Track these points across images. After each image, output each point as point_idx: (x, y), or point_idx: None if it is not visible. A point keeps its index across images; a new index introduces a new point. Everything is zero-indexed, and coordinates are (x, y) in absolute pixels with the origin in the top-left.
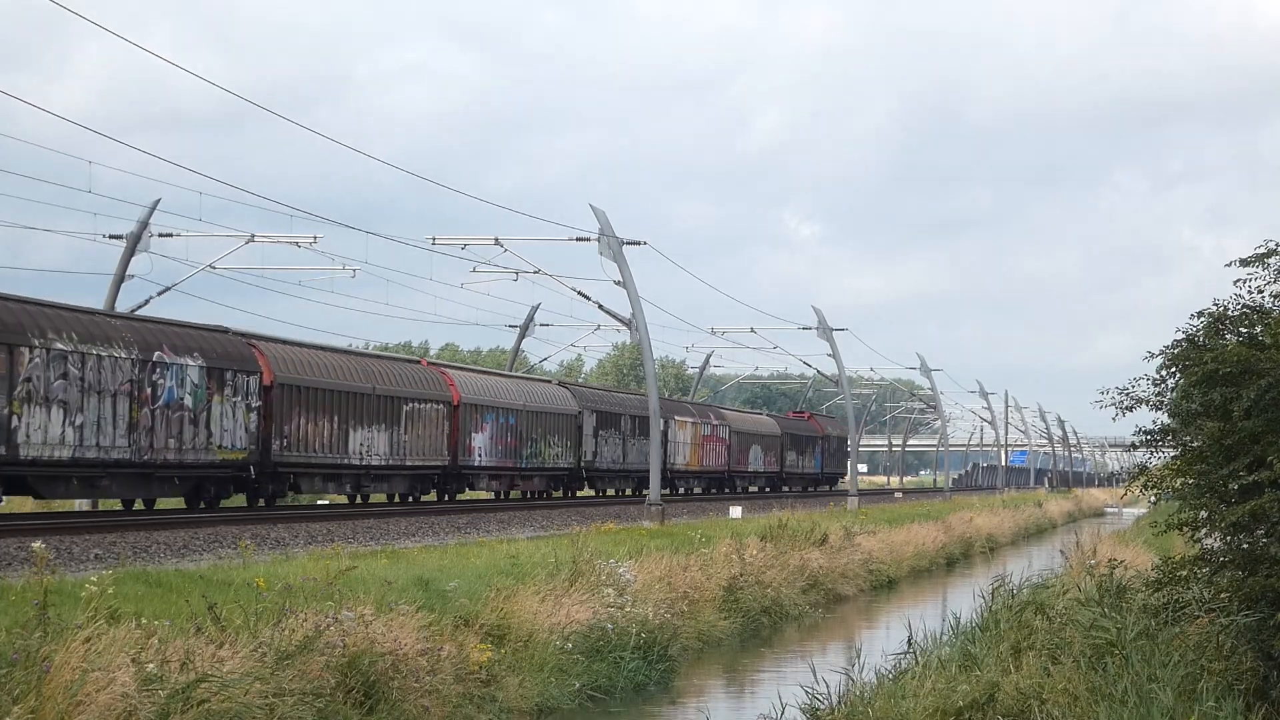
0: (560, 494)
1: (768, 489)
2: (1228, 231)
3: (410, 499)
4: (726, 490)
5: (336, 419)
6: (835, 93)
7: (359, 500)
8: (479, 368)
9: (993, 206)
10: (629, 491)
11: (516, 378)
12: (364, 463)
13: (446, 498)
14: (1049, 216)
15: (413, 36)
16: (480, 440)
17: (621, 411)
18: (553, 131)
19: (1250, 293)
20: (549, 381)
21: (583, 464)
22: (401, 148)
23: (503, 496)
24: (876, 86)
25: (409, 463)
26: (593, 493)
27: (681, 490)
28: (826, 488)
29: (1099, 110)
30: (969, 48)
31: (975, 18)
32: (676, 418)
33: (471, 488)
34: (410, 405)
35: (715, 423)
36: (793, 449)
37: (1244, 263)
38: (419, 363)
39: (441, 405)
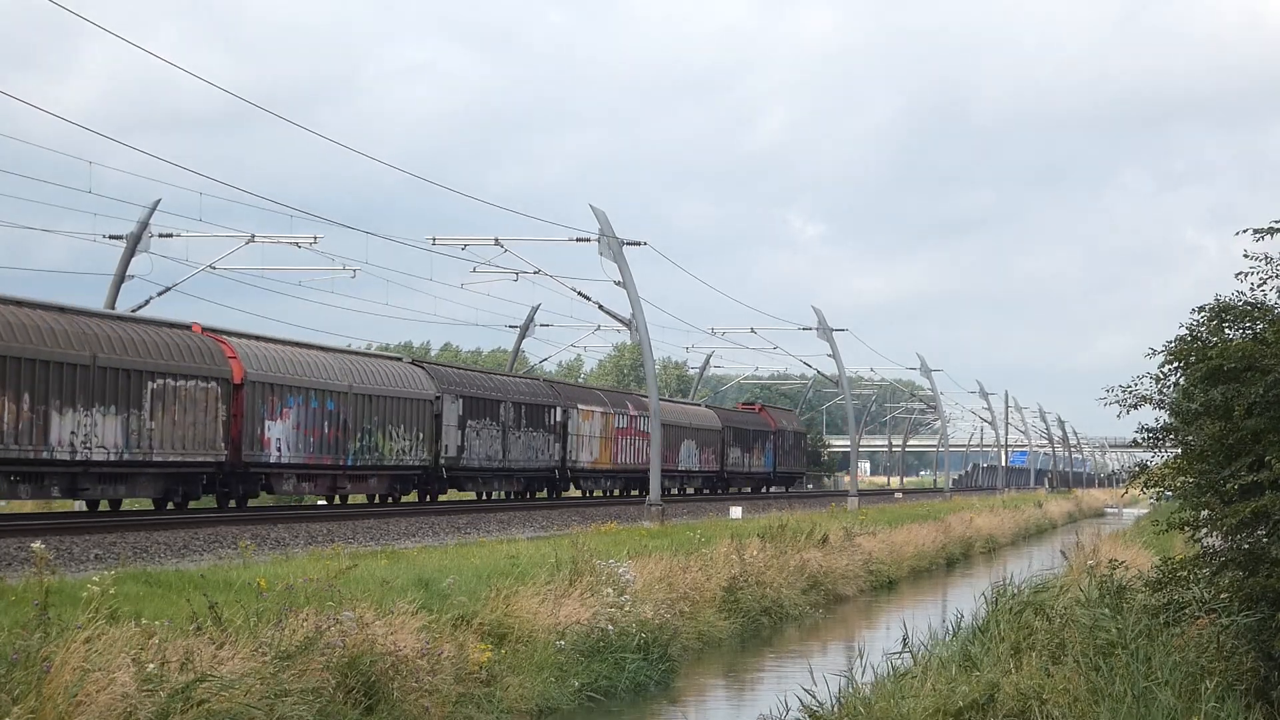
0: (424, 499)
1: (705, 490)
2: (1231, 231)
3: (171, 505)
4: (645, 491)
5: (29, 398)
6: (838, 92)
7: (84, 506)
8: (289, 340)
9: (995, 206)
10: (514, 494)
11: (344, 352)
12: (80, 457)
13: (232, 503)
14: (1051, 217)
15: (417, 36)
16: (280, 430)
17: (500, 397)
18: (555, 131)
19: (1252, 288)
20: (396, 358)
21: (443, 461)
22: (405, 147)
23: (331, 501)
24: (879, 86)
25: (158, 458)
26: (470, 495)
27: (596, 493)
28: (783, 489)
29: (1102, 110)
30: (972, 47)
31: (978, 17)
32: (580, 406)
33: (269, 490)
34: (159, 382)
35: (634, 413)
36: (736, 445)
37: (1258, 234)
38: (188, 328)
39: (213, 383)
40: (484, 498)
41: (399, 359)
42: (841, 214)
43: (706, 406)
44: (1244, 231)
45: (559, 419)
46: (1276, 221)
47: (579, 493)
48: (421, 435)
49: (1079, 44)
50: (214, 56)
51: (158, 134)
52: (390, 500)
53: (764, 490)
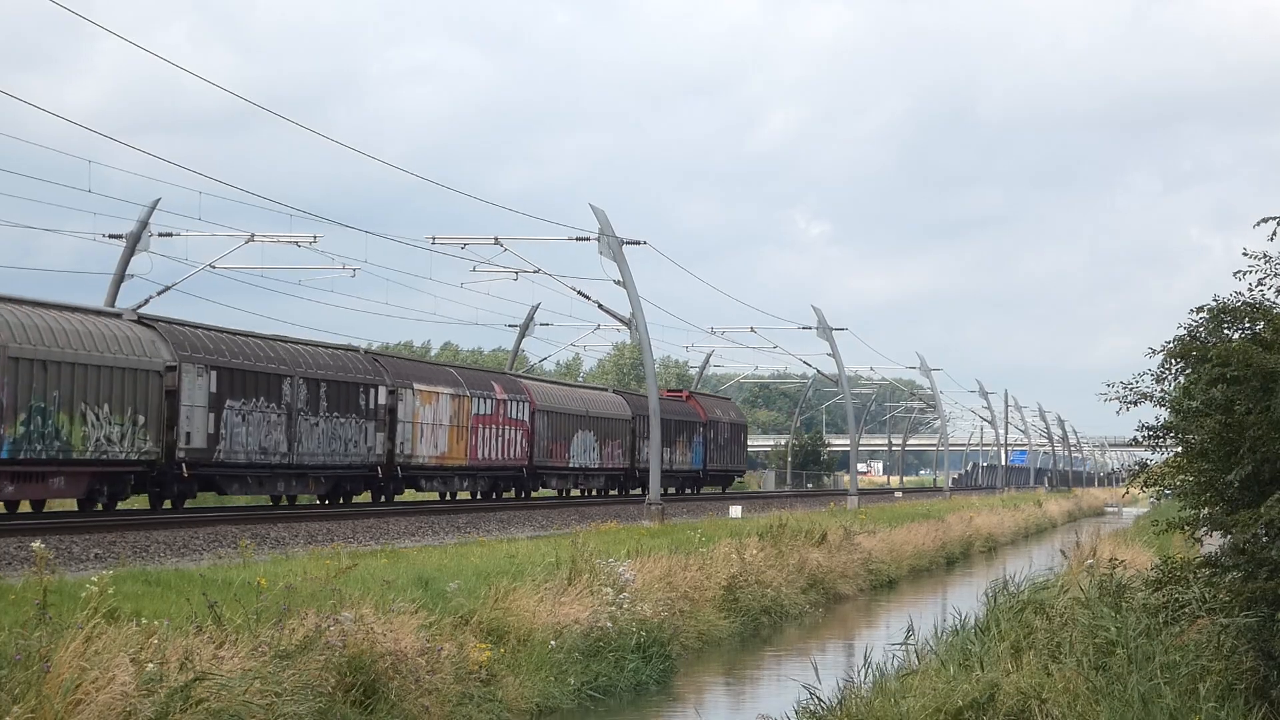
0: (158, 504)
1: (613, 491)
2: (1237, 231)
3: None
4: (522, 494)
5: None
6: (846, 92)
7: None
8: None
9: (1001, 207)
10: (320, 499)
11: (11, 301)
12: None
13: None
14: (1057, 217)
15: (423, 37)
16: None
17: (284, 371)
18: (561, 131)
19: (1250, 288)
20: (113, 314)
21: (182, 453)
22: (412, 147)
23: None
24: (887, 85)
25: None
26: (249, 499)
27: (449, 495)
28: (719, 489)
29: (1110, 110)
30: (980, 47)
31: (987, 17)
32: (418, 386)
33: None
34: None
35: (503, 396)
36: (649, 437)
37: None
38: None
39: None
40: (279, 502)
41: (117, 314)
42: (847, 214)
43: (614, 392)
44: (1265, 222)
45: (382, 401)
46: None
47: (431, 496)
48: (143, 419)
49: (1087, 44)
50: (223, 56)
51: (165, 134)
52: (101, 507)
53: (689, 491)
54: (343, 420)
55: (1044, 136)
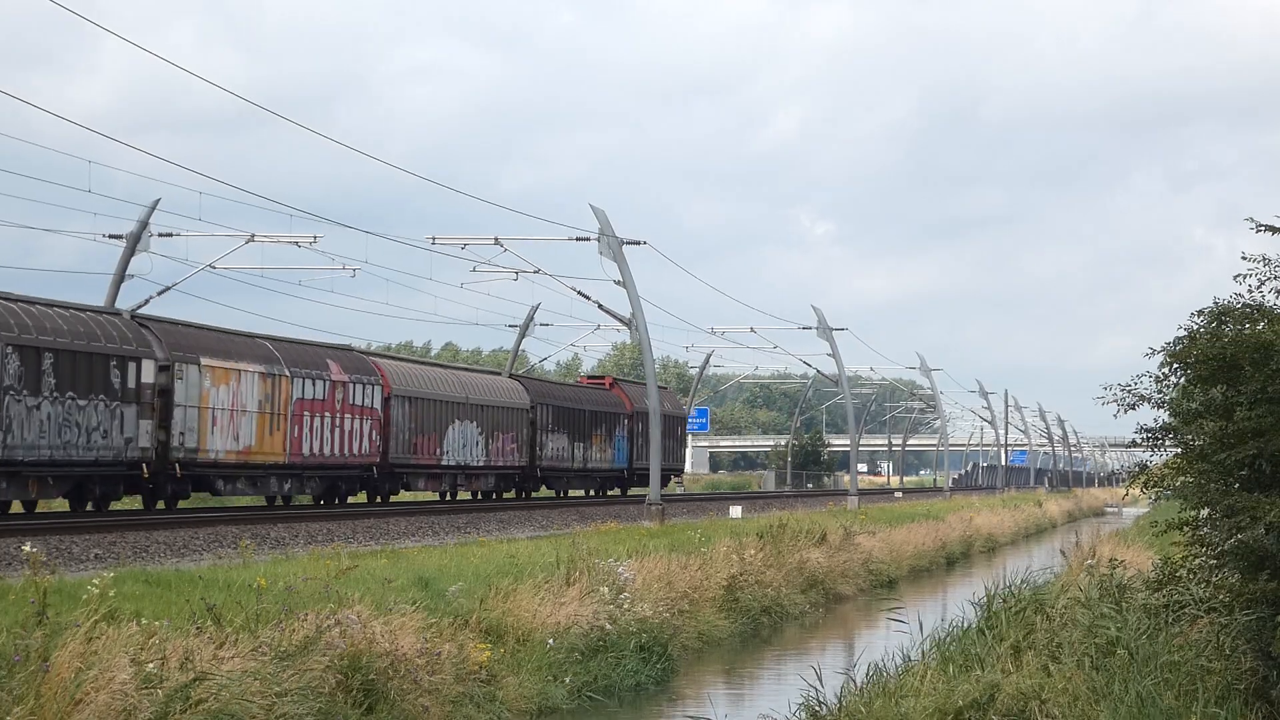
0: None
1: (505, 494)
2: (1240, 231)
3: None
4: (379, 499)
5: None
6: (852, 91)
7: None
8: None
9: (1006, 206)
10: (70, 499)
11: None
12: None
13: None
14: (1062, 217)
15: (428, 36)
16: None
17: (67, 345)
18: (566, 130)
19: (1250, 290)
20: None
21: None
22: (416, 147)
23: None
24: (892, 85)
25: None
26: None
27: (270, 500)
28: (626, 491)
29: (1116, 109)
30: (986, 46)
31: (993, 15)
32: (205, 360)
33: None
34: None
35: (342, 377)
36: (561, 431)
37: (1272, 230)
38: None
39: None
40: None
41: None
42: (850, 213)
43: (511, 376)
44: (1260, 229)
45: (148, 379)
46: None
47: (243, 500)
48: None
49: (1095, 43)
50: (229, 56)
51: (171, 133)
52: None
53: (607, 493)
54: (83, 403)
55: (1048, 136)
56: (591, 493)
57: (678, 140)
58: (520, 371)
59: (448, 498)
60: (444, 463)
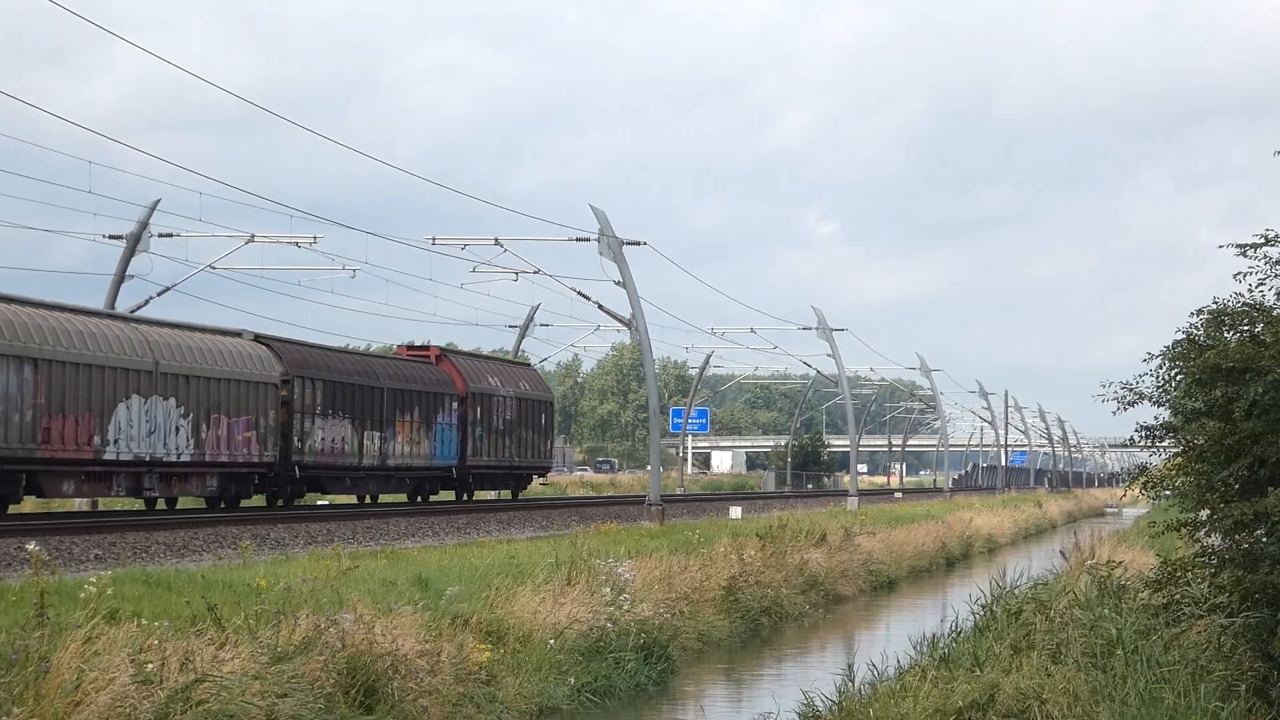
0: None
1: (245, 500)
2: (1248, 231)
3: None
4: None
5: None
6: (864, 90)
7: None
8: None
9: (1015, 206)
10: None
11: None
12: None
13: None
14: (1071, 217)
15: (443, 36)
16: None
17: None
18: (578, 129)
19: (1250, 289)
20: None
21: None
22: (428, 146)
23: None
24: (905, 84)
25: None
26: None
27: None
28: (508, 493)
29: (1130, 109)
30: (1001, 45)
31: (1007, 15)
32: None
33: None
34: None
35: None
36: (338, 415)
37: (1241, 249)
38: None
39: None
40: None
41: None
42: (859, 213)
43: (257, 339)
44: (1225, 246)
45: None
46: (1258, 236)
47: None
48: None
49: (1110, 42)
50: (244, 55)
51: (187, 133)
52: None
53: (429, 499)
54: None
55: (1060, 136)
56: (422, 499)
57: (687, 140)
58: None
59: (153, 505)
60: (106, 458)
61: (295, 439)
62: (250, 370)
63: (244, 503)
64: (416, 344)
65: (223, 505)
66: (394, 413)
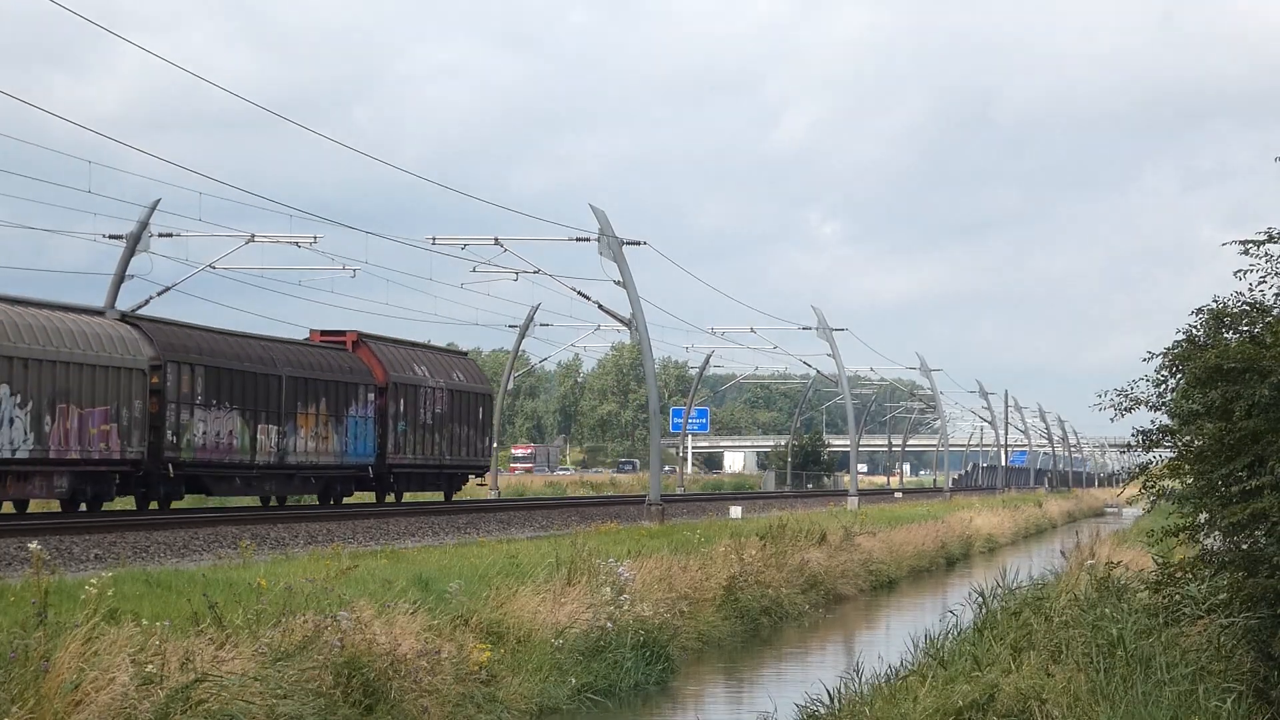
0: None
1: (105, 503)
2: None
3: None
4: None
5: None
6: (869, 90)
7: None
8: None
9: (1020, 206)
10: None
11: None
12: None
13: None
14: (1075, 217)
15: (446, 36)
16: None
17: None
18: (583, 130)
19: (1251, 288)
20: None
21: None
22: (434, 147)
23: None
24: (911, 84)
25: None
26: None
27: None
28: (439, 495)
29: (1134, 110)
30: (1007, 46)
31: (1013, 16)
32: None
33: None
34: None
35: None
36: (225, 406)
37: (1244, 246)
38: None
39: None
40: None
41: None
42: (863, 213)
43: (125, 318)
44: (1229, 244)
45: None
46: (1260, 234)
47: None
48: None
49: (1116, 43)
50: (248, 55)
51: (193, 132)
52: None
53: (342, 501)
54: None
55: (1064, 136)
56: (307, 497)
57: (691, 140)
58: (521, 372)
59: None
60: None
61: (169, 433)
62: (110, 354)
63: (107, 506)
64: (332, 330)
65: (83, 508)
66: (295, 404)
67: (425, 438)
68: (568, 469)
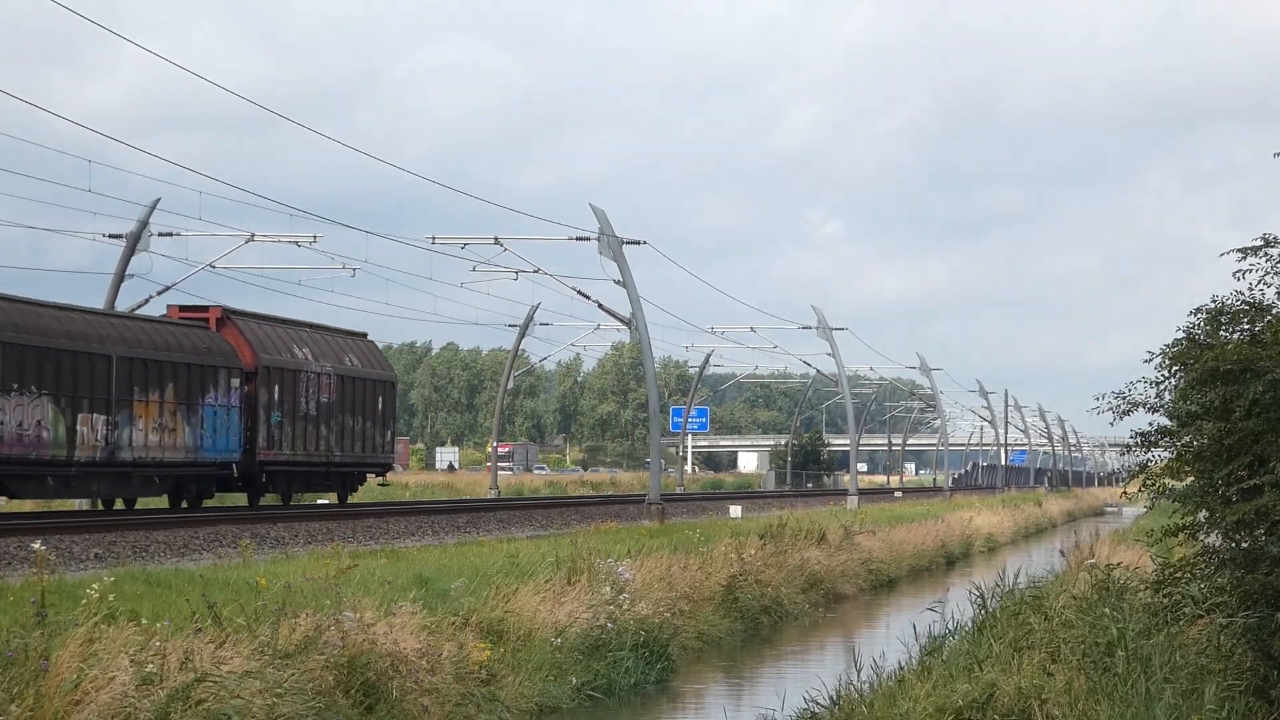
0: None
1: None
2: (1254, 231)
3: None
4: None
5: None
6: (871, 89)
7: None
8: None
9: (1021, 206)
10: None
11: None
12: None
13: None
14: (1077, 216)
15: (448, 35)
16: None
17: None
18: (585, 129)
19: (1250, 287)
20: None
21: None
22: (437, 146)
23: None
24: (913, 82)
25: None
26: None
27: None
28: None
29: (1137, 108)
30: (1010, 43)
31: (1015, 14)
32: None
33: None
34: None
35: None
36: (30, 392)
37: (1241, 254)
38: None
39: None
40: None
41: None
42: (866, 212)
43: None
44: (1228, 253)
45: None
46: (1257, 240)
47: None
48: None
49: (1118, 43)
50: (250, 55)
51: (198, 131)
52: None
53: (200, 504)
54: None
55: (1068, 136)
56: (125, 504)
57: (693, 139)
58: (521, 371)
59: None
60: None
61: None
62: None
63: None
64: (191, 305)
65: None
66: (130, 390)
67: (308, 431)
68: (543, 468)
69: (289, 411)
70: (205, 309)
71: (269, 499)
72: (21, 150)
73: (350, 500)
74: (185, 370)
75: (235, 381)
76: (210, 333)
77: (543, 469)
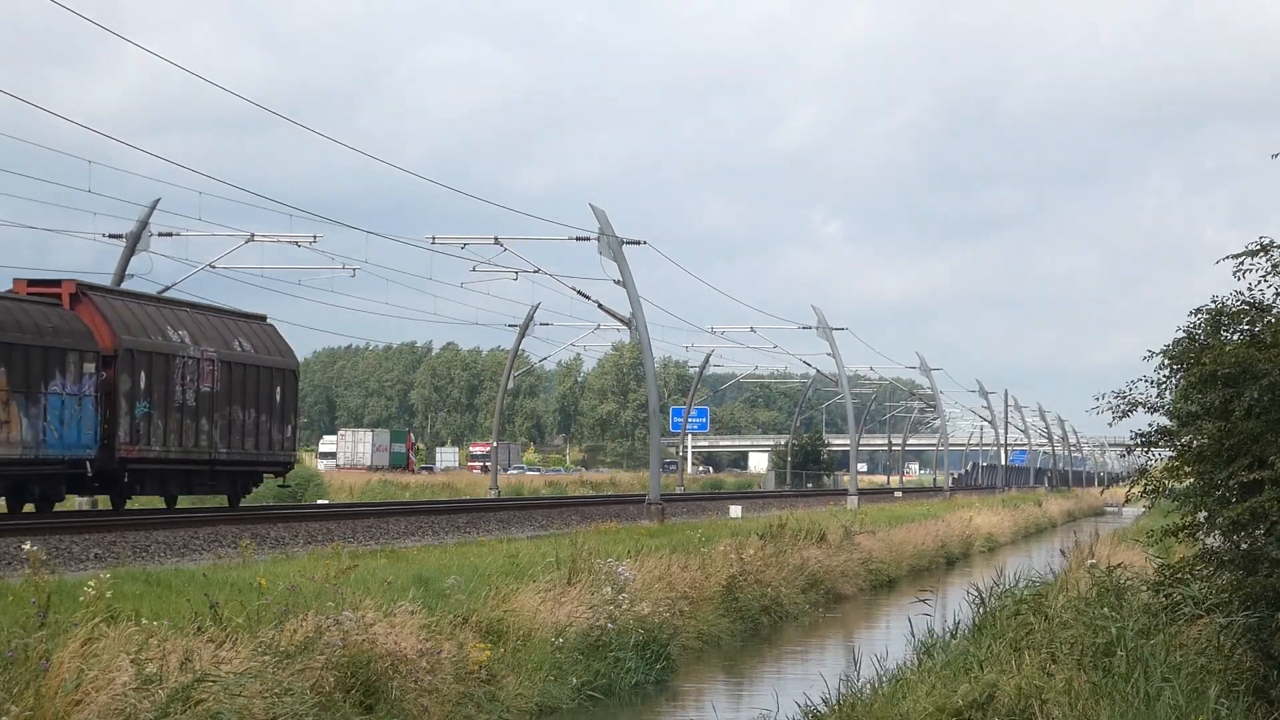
0: None
1: None
2: (1254, 231)
3: None
4: None
5: None
6: (872, 89)
7: None
8: None
9: (1023, 206)
10: None
11: None
12: None
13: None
14: (1077, 217)
15: (449, 35)
16: None
17: None
18: (586, 129)
19: (1250, 287)
20: None
21: None
22: (438, 146)
23: None
24: (914, 82)
25: None
26: None
27: None
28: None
29: (1138, 108)
30: (1010, 43)
31: (1016, 14)
32: None
33: None
34: None
35: None
36: None
37: (1238, 260)
38: None
39: None
40: None
41: None
42: (866, 212)
43: None
44: (1225, 259)
45: None
46: (1252, 244)
47: None
48: None
49: (1120, 41)
50: (251, 55)
51: (199, 131)
52: None
53: (36, 509)
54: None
55: (1068, 136)
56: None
57: (694, 139)
58: (521, 371)
59: None
60: None
61: None
62: None
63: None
64: (42, 280)
65: None
66: None
67: (184, 424)
68: (522, 467)
69: (159, 402)
70: (58, 283)
71: (140, 501)
72: (22, 150)
73: (242, 505)
74: (23, 352)
75: (89, 366)
76: (60, 310)
77: (520, 468)
